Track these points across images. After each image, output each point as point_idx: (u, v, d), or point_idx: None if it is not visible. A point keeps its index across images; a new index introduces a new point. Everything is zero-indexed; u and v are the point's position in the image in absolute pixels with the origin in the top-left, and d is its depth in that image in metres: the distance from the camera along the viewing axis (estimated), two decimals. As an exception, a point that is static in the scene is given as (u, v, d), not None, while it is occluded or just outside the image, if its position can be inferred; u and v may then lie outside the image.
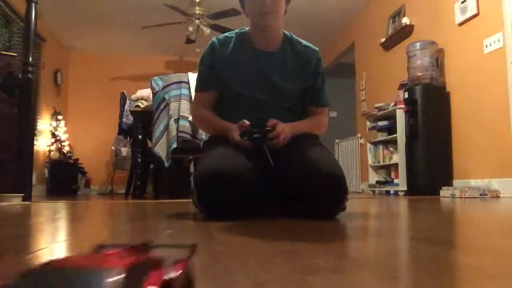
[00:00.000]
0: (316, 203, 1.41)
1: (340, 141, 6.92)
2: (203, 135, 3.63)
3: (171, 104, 3.80)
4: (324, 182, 1.40)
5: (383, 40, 5.54)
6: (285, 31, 1.72)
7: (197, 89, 1.79)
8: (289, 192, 1.50)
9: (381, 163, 5.29)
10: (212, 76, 1.71)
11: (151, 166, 4.75)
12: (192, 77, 3.74)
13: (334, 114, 8.38)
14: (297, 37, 1.75)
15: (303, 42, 1.74)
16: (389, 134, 5.10)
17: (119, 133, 5.13)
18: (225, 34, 1.75)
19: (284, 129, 1.54)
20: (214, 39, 1.73)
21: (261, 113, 1.60)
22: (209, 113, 1.73)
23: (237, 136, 1.53)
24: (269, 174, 1.51)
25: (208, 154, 1.54)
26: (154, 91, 3.93)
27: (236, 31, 1.75)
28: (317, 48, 1.75)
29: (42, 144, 6.50)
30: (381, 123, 5.25)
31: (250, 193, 1.44)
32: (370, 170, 5.54)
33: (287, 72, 1.68)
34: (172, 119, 3.76)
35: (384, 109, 5.09)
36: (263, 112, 1.60)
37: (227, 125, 1.62)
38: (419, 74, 4.29)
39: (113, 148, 7.20)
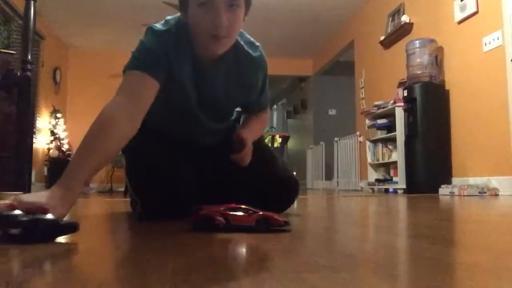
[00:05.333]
0: (267, 205, 1.20)
1: (339, 139, 6.93)
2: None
3: (170, 102, 3.79)
4: (282, 187, 1.47)
5: (382, 38, 5.54)
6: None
7: (139, 67, 1.24)
8: (240, 196, 1.32)
9: (380, 161, 5.30)
10: (163, 63, 1.25)
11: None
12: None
13: (333, 112, 8.40)
14: (240, 40, 1.36)
15: (245, 47, 1.37)
16: (388, 132, 5.10)
17: (118, 131, 5.12)
18: (160, 27, 1.31)
19: (248, 144, 1.41)
20: (162, 28, 1.31)
21: (193, 125, 1.46)
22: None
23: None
24: (210, 177, 1.49)
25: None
26: (153, 89, 3.92)
27: (172, 23, 1.31)
28: (259, 53, 1.40)
29: (41, 142, 6.50)
30: (380, 121, 5.26)
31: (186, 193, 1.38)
32: (369, 168, 5.54)
33: (230, 88, 1.41)
34: (171, 117, 3.75)
35: (383, 107, 5.09)
36: (196, 125, 1.46)
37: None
38: (418, 72, 4.29)
39: (112, 146, 7.20)
